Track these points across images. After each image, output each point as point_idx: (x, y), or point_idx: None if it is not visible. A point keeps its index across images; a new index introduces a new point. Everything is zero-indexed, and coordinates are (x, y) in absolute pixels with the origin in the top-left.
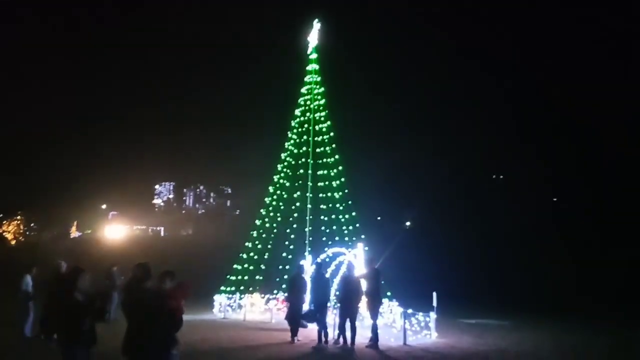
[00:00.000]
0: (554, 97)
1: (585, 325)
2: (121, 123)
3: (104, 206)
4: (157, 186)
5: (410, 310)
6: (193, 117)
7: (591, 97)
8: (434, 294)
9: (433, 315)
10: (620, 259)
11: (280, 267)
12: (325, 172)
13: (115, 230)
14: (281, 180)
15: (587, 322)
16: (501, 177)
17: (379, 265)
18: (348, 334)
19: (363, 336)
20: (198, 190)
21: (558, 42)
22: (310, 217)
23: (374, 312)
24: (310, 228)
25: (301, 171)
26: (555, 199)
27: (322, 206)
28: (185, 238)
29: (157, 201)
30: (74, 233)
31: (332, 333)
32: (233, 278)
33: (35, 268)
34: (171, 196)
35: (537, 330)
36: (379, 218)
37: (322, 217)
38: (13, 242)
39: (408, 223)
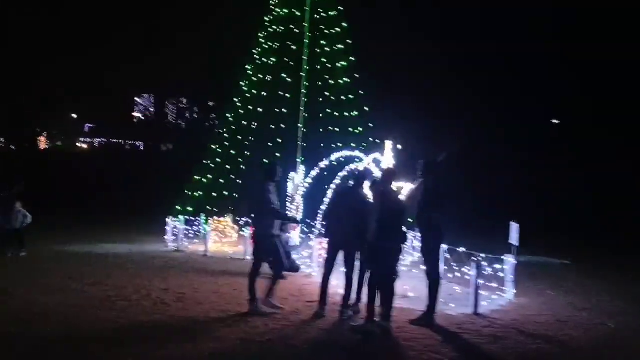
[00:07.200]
0: None
1: None
2: (97, 32)
3: (74, 115)
4: (137, 98)
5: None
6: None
7: None
8: (514, 225)
9: (511, 260)
10: None
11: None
12: (327, 47)
13: (88, 143)
14: (263, 58)
15: None
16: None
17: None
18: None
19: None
20: (180, 104)
21: None
22: (305, 114)
23: (432, 256)
24: (304, 129)
25: (292, 45)
26: None
27: (320, 97)
28: (165, 154)
29: (137, 114)
30: (43, 145)
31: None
32: (197, 195)
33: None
34: (152, 110)
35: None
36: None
37: (320, 114)
38: None
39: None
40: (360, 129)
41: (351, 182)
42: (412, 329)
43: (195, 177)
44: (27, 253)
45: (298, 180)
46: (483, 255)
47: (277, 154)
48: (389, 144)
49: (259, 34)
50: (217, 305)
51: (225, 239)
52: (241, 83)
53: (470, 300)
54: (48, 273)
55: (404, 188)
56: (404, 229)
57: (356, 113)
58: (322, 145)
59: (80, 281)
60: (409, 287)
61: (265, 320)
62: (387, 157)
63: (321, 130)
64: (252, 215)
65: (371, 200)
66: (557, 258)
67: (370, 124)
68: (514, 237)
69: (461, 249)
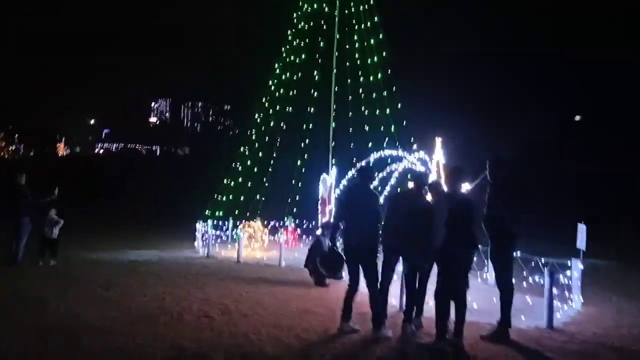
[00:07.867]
0: None
1: None
2: (115, 36)
3: (92, 121)
4: (153, 103)
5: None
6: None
7: None
8: (581, 227)
9: (580, 266)
10: None
11: (293, 181)
12: (358, 43)
13: (106, 149)
14: (292, 55)
15: None
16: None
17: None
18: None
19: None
20: (196, 108)
21: None
22: (335, 110)
23: (505, 263)
24: (334, 125)
25: (321, 42)
26: None
27: (351, 95)
28: (181, 158)
29: (154, 119)
30: (62, 150)
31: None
32: (224, 199)
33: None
34: (168, 114)
35: None
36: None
37: (350, 113)
38: None
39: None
40: (393, 127)
41: (410, 185)
42: (486, 345)
43: (224, 181)
44: (57, 262)
45: (330, 182)
46: (547, 261)
47: (305, 154)
48: (439, 141)
49: (287, 32)
50: (264, 318)
51: (255, 243)
52: (269, 82)
53: (542, 311)
54: (81, 283)
55: (462, 188)
56: (474, 232)
57: (389, 110)
58: (351, 145)
59: (116, 291)
60: (472, 297)
61: (322, 336)
62: (438, 155)
63: (350, 130)
64: (351, 223)
65: (431, 203)
66: (601, 259)
67: (404, 121)
68: (582, 241)
69: (519, 253)
